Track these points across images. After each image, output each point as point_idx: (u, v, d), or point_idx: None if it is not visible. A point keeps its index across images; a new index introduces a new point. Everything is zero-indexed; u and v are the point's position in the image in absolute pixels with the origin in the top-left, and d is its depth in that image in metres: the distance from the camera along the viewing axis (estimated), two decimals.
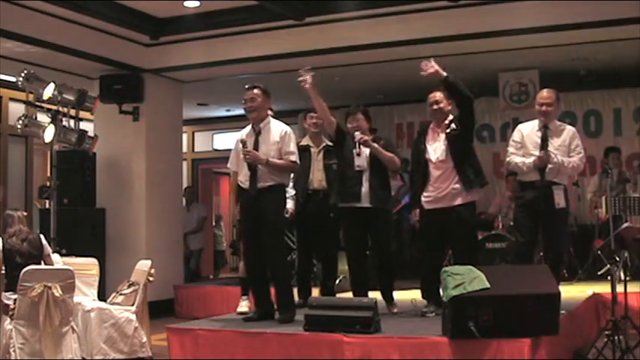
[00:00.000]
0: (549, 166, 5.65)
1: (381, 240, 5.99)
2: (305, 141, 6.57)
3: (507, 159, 5.88)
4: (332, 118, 5.95)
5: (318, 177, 6.44)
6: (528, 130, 5.85)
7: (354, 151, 5.79)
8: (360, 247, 5.98)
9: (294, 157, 5.54)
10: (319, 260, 6.90)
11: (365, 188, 5.83)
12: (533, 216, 5.75)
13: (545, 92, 5.88)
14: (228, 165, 5.82)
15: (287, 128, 5.59)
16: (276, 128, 5.56)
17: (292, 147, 5.53)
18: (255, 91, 5.53)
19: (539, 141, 5.73)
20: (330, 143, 6.65)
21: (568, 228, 7.13)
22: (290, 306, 5.50)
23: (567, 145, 5.74)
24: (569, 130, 5.85)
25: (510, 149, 5.87)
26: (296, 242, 7.15)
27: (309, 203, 6.42)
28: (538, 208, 5.69)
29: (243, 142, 5.49)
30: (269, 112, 5.69)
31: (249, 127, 5.62)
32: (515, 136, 5.88)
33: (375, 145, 5.84)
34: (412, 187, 5.95)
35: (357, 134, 5.80)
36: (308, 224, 6.51)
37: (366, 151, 5.85)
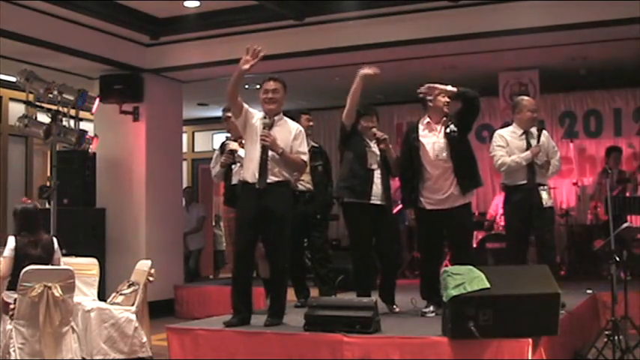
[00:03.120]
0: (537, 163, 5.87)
1: (388, 239, 5.97)
2: None
3: (499, 161, 5.95)
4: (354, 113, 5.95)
5: (305, 179, 6.43)
6: (509, 137, 6.02)
7: (380, 146, 5.80)
8: (368, 243, 5.94)
9: (306, 157, 5.37)
10: (313, 260, 6.85)
11: (377, 187, 5.82)
12: (522, 217, 5.91)
13: (531, 100, 6.16)
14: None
15: (301, 127, 5.42)
16: (291, 125, 5.36)
17: (304, 147, 5.36)
18: (279, 83, 5.34)
19: (524, 145, 5.93)
20: (315, 144, 6.67)
21: (555, 226, 7.25)
22: (281, 312, 5.33)
23: (547, 147, 6.01)
24: (544, 133, 6.12)
25: (499, 152, 5.96)
26: None
27: (297, 205, 6.42)
28: (527, 209, 5.85)
29: (266, 125, 5.22)
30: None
31: (262, 115, 5.33)
32: (500, 140, 6.01)
33: (390, 146, 5.90)
34: (405, 185, 5.88)
35: (378, 132, 5.83)
36: (296, 225, 6.50)
37: (377, 150, 5.87)
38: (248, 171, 5.27)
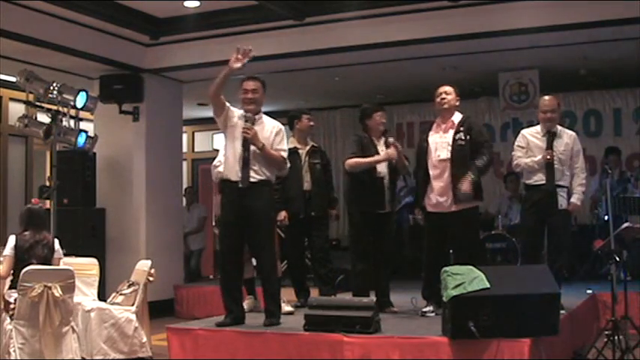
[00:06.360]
0: (556, 166, 5.83)
1: (388, 242, 6.00)
2: (292, 143, 6.50)
3: (515, 161, 6.03)
4: None
5: (307, 178, 6.45)
6: (532, 136, 6.01)
7: (389, 150, 5.79)
8: (369, 247, 5.96)
9: (285, 154, 5.36)
10: (313, 260, 6.83)
11: (387, 195, 5.88)
12: (539, 218, 5.91)
13: (547, 99, 6.05)
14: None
15: (281, 125, 5.42)
16: (270, 123, 5.37)
17: (284, 145, 5.36)
18: (258, 82, 5.36)
19: (544, 145, 5.90)
20: (314, 144, 6.67)
21: (570, 228, 7.19)
22: (278, 311, 5.34)
23: (571, 149, 5.97)
24: (571, 134, 6.07)
25: (517, 153, 6.02)
26: (287, 243, 6.68)
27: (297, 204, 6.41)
28: (544, 209, 5.84)
29: (248, 118, 5.22)
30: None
31: (242, 112, 5.32)
32: (521, 141, 6.04)
33: (400, 148, 5.91)
34: (416, 185, 5.96)
35: (391, 138, 5.87)
36: (298, 225, 6.49)
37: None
38: (230, 169, 5.24)
